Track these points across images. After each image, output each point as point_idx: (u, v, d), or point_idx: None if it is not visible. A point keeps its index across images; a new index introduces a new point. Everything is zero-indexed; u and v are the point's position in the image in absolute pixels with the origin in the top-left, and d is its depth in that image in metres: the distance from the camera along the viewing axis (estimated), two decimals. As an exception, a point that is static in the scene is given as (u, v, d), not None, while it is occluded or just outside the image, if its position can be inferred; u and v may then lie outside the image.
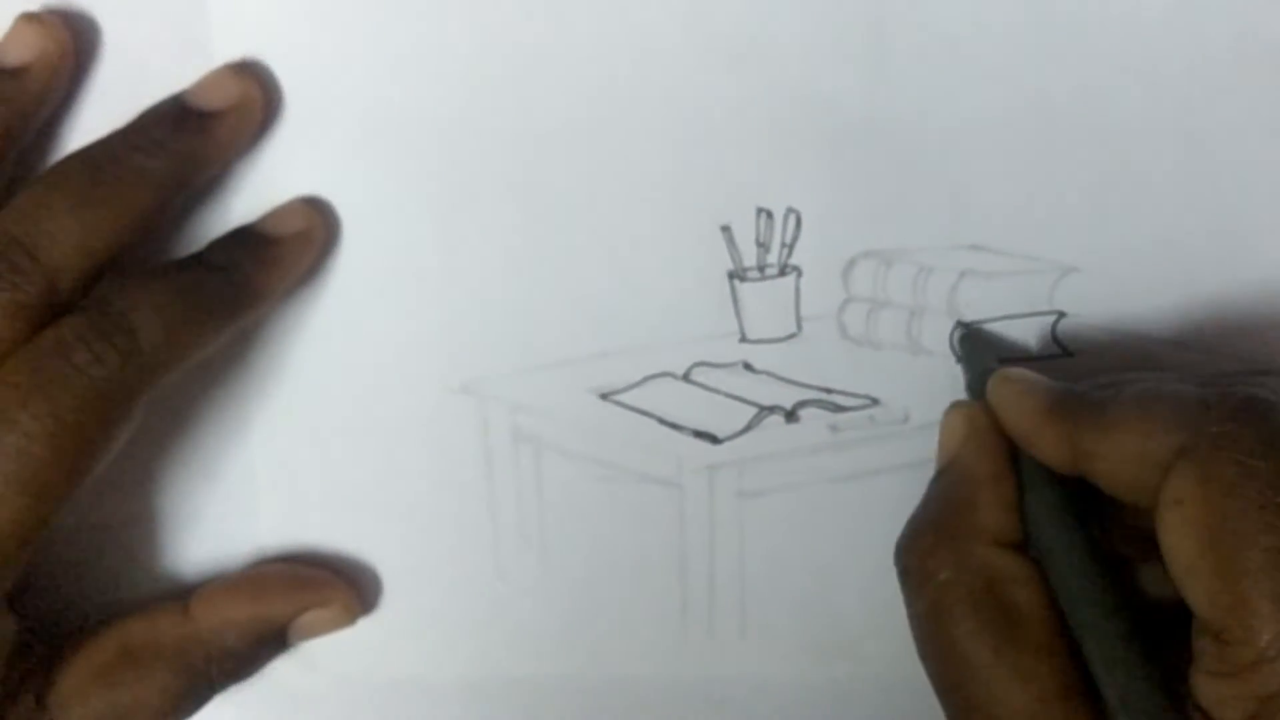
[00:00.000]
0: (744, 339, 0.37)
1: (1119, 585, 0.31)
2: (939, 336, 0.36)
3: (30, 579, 0.34)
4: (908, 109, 0.35)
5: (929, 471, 0.36)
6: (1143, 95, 0.35)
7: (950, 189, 0.35)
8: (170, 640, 0.35)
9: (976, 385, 0.34)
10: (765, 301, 0.36)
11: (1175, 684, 0.29)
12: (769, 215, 0.36)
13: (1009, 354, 0.36)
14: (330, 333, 0.36)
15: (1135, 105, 0.35)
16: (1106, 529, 0.32)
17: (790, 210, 0.36)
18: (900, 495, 0.36)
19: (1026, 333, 0.36)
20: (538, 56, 0.35)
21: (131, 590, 0.37)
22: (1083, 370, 0.35)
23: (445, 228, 0.36)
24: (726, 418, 0.37)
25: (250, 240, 0.35)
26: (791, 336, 0.37)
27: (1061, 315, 0.36)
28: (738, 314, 0.36)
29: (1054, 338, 0.36)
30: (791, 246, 0.36)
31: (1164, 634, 0.30)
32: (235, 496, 0.37)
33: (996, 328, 0.36)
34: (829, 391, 0.37)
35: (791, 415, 0.37)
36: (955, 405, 0.34)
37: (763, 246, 0.36)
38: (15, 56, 0.34)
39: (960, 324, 0.36)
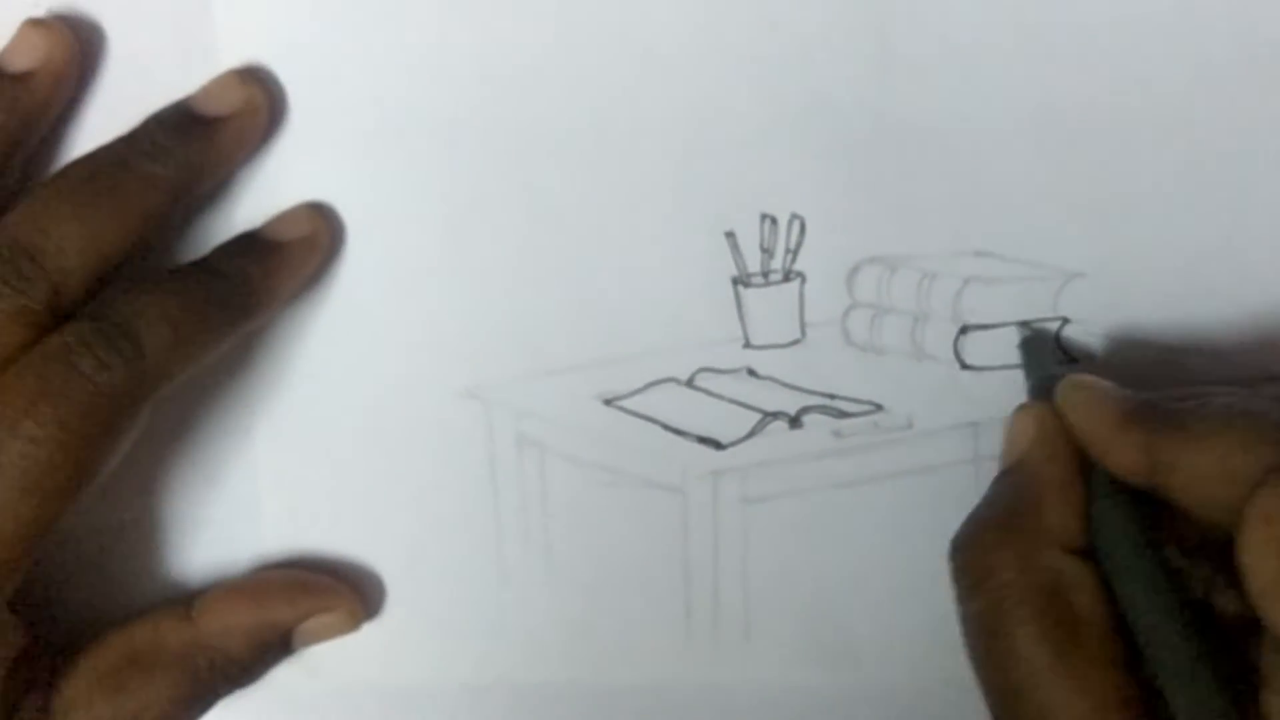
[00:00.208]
0: (748, 345, 0.37)
1: (1189, 601, 0.30)
2: (943, 342, 0.36)
3: (35, 584, 0.34)
4: (912, 115, 0.35)
5: (933, 477, 0.36)
6: (1147, 101, 0.35)
7: (955, 195, 0.35)
8: (174, 646, 0.35)
9: (1041, 389, 0.34)
10: (769, 307, 0.36)
11: (1241, 704, 0.29)
12: (773, 221, 0.36)
13: (1077, 359, 0.35)
14: (334, 338, 0.36)
15: (1140, 111, 0.35)
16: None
17: (794, 216, 0.36)
18: (904, 501, 0.37)
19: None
20: (543, 62, 0.35)
21: (136, 595, 0.37)
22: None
23: (450, 233, 0.36)
24: (730, 423, 0.37)
25: (255, 246, 0.35)
26: (795, 342, 0.37)
27: (1066, 321, 0.36)
28: (742, 320, 0.36)
29: (1058, 344, 0.36)
30: (796, 252, 0.36)
31: (1223, 651, 0.30)
32: (239, 502, 0.37)
33: (1000, 334, 0.36)
34: (833, 397, 0.37)
35: (795, 421, 0.37)
36: (1024, 407, 0.34)
37: (767, 252, 0.36)
38: (21, 62, 0.34)
39: (1024, 326, 0.36)
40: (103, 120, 0.35)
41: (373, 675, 0.38)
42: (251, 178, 0.36)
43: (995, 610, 0.31)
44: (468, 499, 0.37)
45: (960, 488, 0.36)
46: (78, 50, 0.35)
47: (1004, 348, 0.36)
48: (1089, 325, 0.36)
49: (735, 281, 0.36)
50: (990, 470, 0.35)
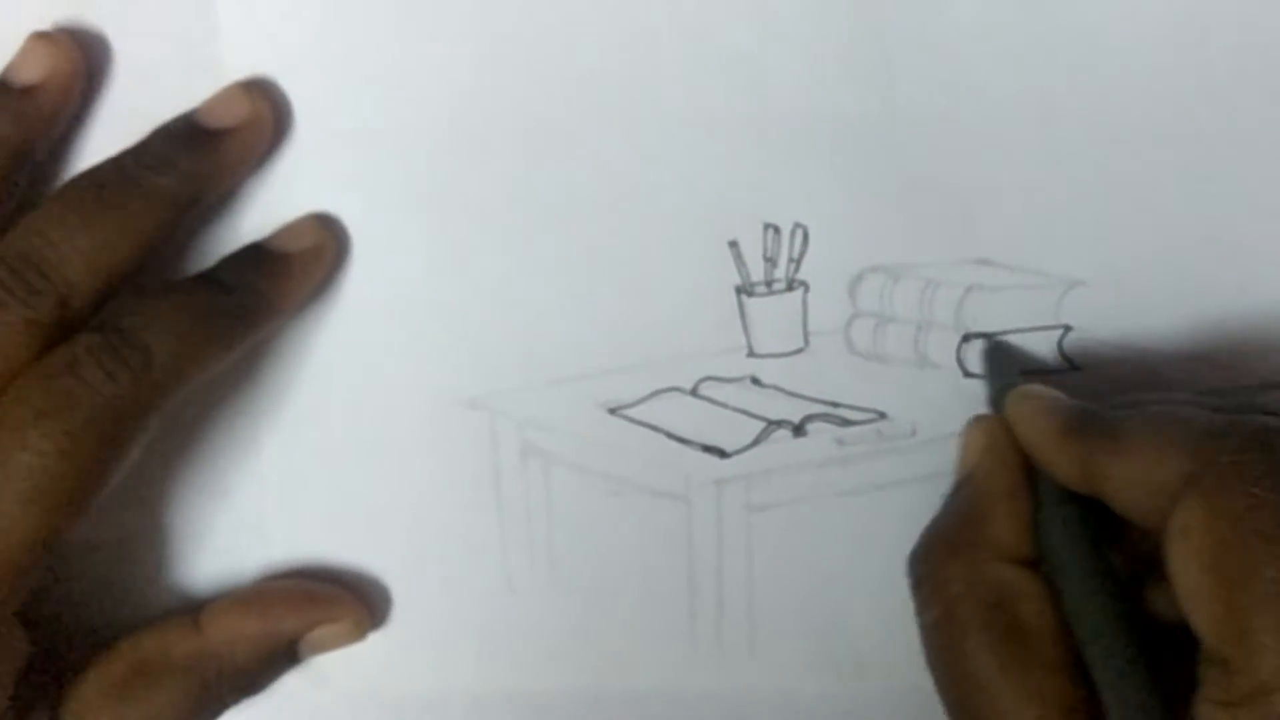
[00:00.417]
0: (751, 354, 0.37)
1: (1128, 607, 0.31)
2: (946, 351, 0.36)
3: (42, 594, 0.34)
4: (914, 124, 0.35)
5: (936, 485, 0.36)
6: (1149, 110, 0.35)
7: (957, 203, 0.36)
8: (181, 655, 0.35)
9: (998, 399, 0.34)
10: (773, 316, 0.36)
11: (1178, 708, 0.29)
12: (776, 230, 0.36)
13: (1033, 368, 0.36)
14: (339, 348, 0.37)
15: (1141, 119, 0.35)
16: (1116, 548, 0.32)
17: (797, 225, 0.36)
18: (908, 509, 0.37)
19: (1033, 347, 0.36)
20: (547, 74, 0.35)
21: (142, 605, 0.37)
22: (1095, 383, 0.35)
23: (454, 244, 0.36)
24: (734, 432, 0.37)
25: (261, 257, 0.35)
26: (799, 351, 0.37)
27: (1068, 329, 0.36)
28: (745, 329, 0.37)
29: (1061, 352, 0.36)
30: (799, 261, 0.36)
31: (1169, 655, 0.30)
32: (245, 512, 0.37)
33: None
34: (836, 405, 0.37)
35: (799, 429, 0.37)
36: (976, 419, 0.34)
37: (770, 261, 0.36)
38: (27, 75, 0.34)
39: (985, 337, 0.36)
40: (109, 133, 0.35)
41: (379, 684, 0.38)
42: (257, 189, 0.36)
43: (948, 621, 0.32)
44: (473, 508, 0.37)
45: (963, 495, 0.36)
46: (83, 63, 0.35)
47: (1006, 356, 0.36)
48: (1091, 333, 0.36)
49: (739, 291, 0.36)
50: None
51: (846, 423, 0.37)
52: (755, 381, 0.37)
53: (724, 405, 0.37)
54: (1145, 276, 0.36)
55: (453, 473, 0.37)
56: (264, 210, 0.36)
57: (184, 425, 0.36)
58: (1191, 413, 0.30)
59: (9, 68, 0.34)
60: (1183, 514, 0.29)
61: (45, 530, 0.31)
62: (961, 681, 0.31)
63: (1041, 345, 0.36)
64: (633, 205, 0.36)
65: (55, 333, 0.32)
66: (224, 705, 0.36)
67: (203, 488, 0.37)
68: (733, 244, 0.36)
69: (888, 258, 0.36)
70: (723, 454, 0.37)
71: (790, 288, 0.36)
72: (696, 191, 0.36)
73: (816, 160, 0.36)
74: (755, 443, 0.37)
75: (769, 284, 0.36)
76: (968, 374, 0.36)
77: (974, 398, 0.36)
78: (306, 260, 0.35)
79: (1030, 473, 0.33)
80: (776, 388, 0.37)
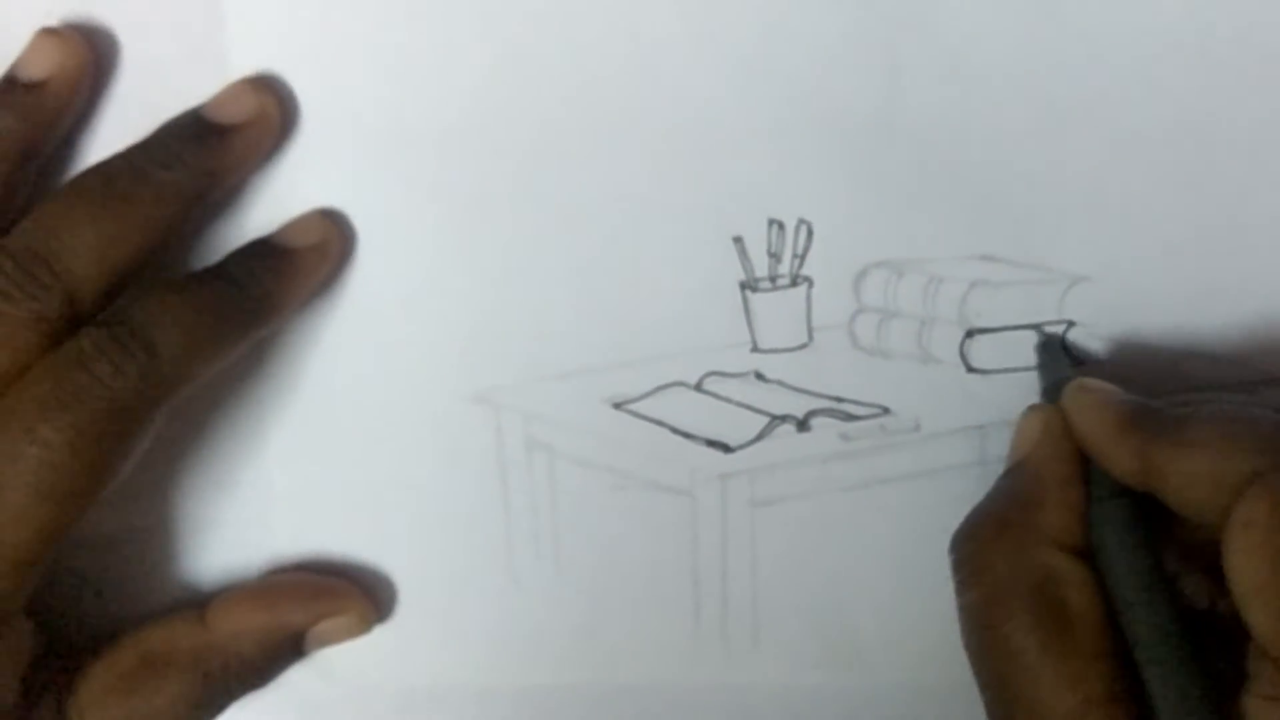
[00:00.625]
0: (756, 349, 0.37)
1: (1177, 601, 0.31)
2: (950, 346, 0.36)
3: (50, 588, 0.34)
4: (919, 120, 0.35)
5: (940, 480, 0.36)
6: (1152, 105, 0.35)
7: (961, 199, 0.36)
8: (187, 648, 0.35)
9: (1052, 392, 0.34)
10: (777, 311, 0.36)
11: (1222, 701, 0.29)
12: (781, 226, 0.36)
13: (1085, 362, 0.36)
14: (345, 343, 0.37)
15: (1144, 115, 0.35)
16: (1161, 544, 0.32)
17: (802, 221, 0.36)
18: (911, 504, 0.37)
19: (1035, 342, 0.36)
20: (553, 69, 0.35)
21: (149, 599, 0.37)
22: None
23: (460, 239, 0.36)
24: (738, 427, 0.37)
25: (267, 252, 0.35)
26: (803, 346, 0.37)
27: (1071, 324, 0.36)
28: (749, 324, 0.37)
29: (1064, 347, 0.36)
30: (803, 257, 0.36)
31: (1210, 649, 0.30)
32: (251, 506, 0.37)
33: (1006, 338, 0.36)
34: (840, 401, 0.37)
35: (803, 424, 0.37)
36: (1032, 408, 0.34)
37: (774, 257, 0.36)
38: (35, 71, 0.34)
39: (1038, 330, 0.36)
40: (116, 128, 0.35)
41: (384, 677, 0.38)
42: (264, 185, 0.36)
43: (990, 602, 0.31)
44: (478, 502, 0.37)
45: (967, 490, 0.36)
46: (91, 59, 0.35)
47: (1010, 351, 0.36)
48: (1094, 328, 0.36)
49: (743, 286, 0.36)
50: (998, 473, 0.35)
51: (850, 418, 0.37)
52: (759, 376, 0.37)
53: (728, 400, 0.37)
54: (1149, 272, 0.36)
55: (458, 467, 0.37)
56: (270, 206, 0.36)
57: (191, 419, 0.37)
58: (1258, 412, 0.30)
59: (16, 64, 0.34)
60: (1246, 508, 0.29)
61: (53, 524, 0.31)
62: (1001, 662, 0.31)
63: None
64: (638, 201, 0.36)
65: (63, 327, 0.32)
66: (230, 698, 0.36)
67: (209, 482, 0.37)
68: (737, 239, 0.36)
69: (892, 253, 0.36)
70: (727, 449, 0.37)
71: (794, 283, 0.36)
72: (701, 187, 0.36)
73: (821, 156, 0.36)
74: (759, 437, 0.37)
75: (773, 279, 0.36)
76: (971, 369, 0.36)
77: (978, 393, 0.36)
78: (312, 256, 0.35)
79: (1084, 465, 0.33)
80: (781, 383, 0.37)
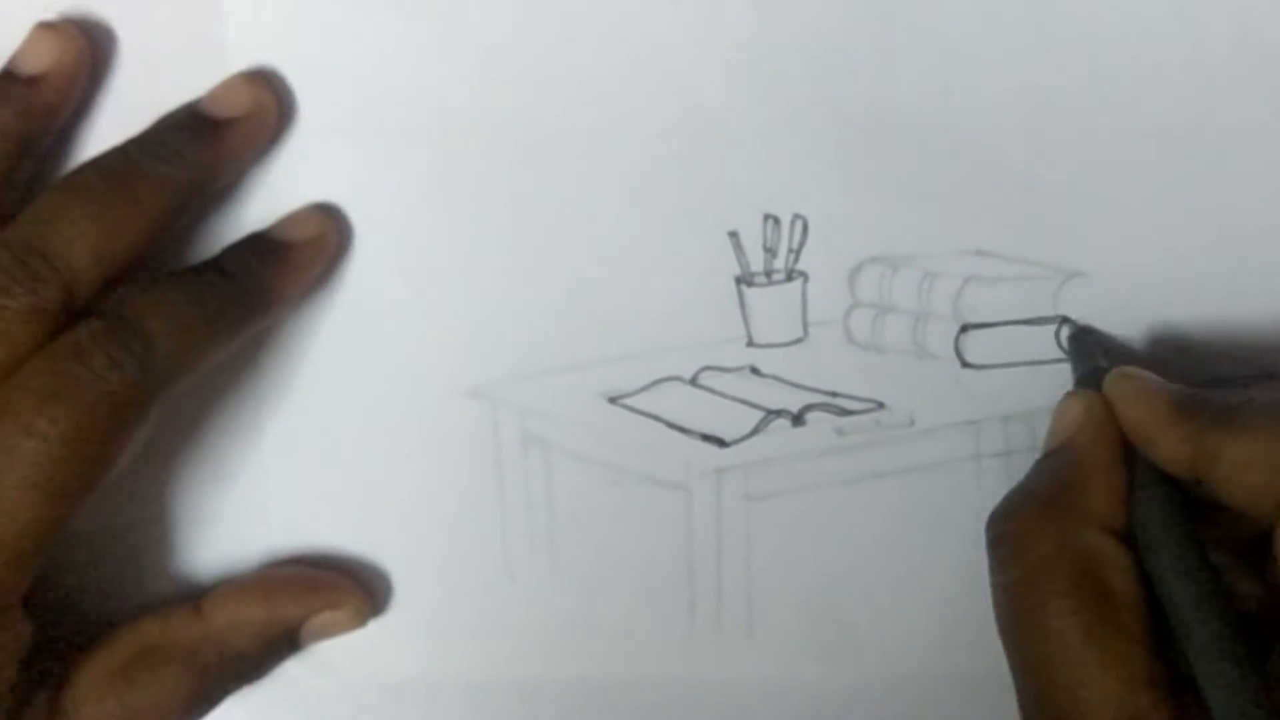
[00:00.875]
0: (751, 343, 0.37)
1: (1223, 587, 0.31)
2: (944, 341, 0.36)
3: (46, 581, 0.34)
4: (914, 115, 0.35)
5: (934, 474, 0.36)
6: (1147, 99, 0.35)
7: (956, 195, 0.36)
8: (183, 641, 0.35)
9: (1086, 381, 0.34)
10: (772, 306, 0.37)
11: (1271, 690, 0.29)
12: (776, 221, 0.36)
13: (1117, 353, 0.36)
14: (342, 337, 0.37)
15: (1140, 110, 0.35)
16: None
17: (797, 216, 0.36)
18: (906, 498, 0.37)
19: (1030, 337, 0.36)
20: (549, 63, 0.35)
21: (145, 592, 0.37)
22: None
23: (456, 233, 0.36)
24: (734, 421, 0.37)
25: (264, 246, 0.35)
26: (798, 341, 0.37)
27: (1065, 320, 0.36)
28: (745, 319, 0.37)
29: (1058, 342, 0.36)
30: (798, 252, 0.36)
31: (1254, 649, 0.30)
32: (247, 499, 0.37)
33: (1001, 333, 0.36)
34: (835, 395, 0.37)
35: (798, 419, 0.37)
36: (1073, 393, 0.34)
37: (770, 252, 0.36)
38: (33, 64, 0.34)
39: (1070, 322, 0.36)
40: (113, 122, 0.35)
41: (379, 671, 0.38)
42: (260, 179, 0.36)
43: (1030, 582, 0.31)
44: (473, 496, 0.37)
45: (961, 485, 0.37)
46: (88, 53, 0.35)
47: (1004, 346, 0.36)
48: (1088, 324, 0.36)
49: (738, 281, 0.36)
50: (991, 467, 0.36)
51: (845, 412, 0.37)
52: (755, 371, 0.37)
53: (723, 395, 0.37)
54: (1142, 268, 0.36)
55: (453, 461, 0.37)
56: (267, 200, 0.36)
57: (187, 413, 0.37)
58: None
59: (14, 58, 0.34)
60: None
61: (49, 516, 0.31)
62: (1039, 643, 0.31)
63: (1039, 337, 0.36)
64: (634, 195, 0.36)
65: (60, 320, 0.32)
66: (225, 691, 0.36)
67: (205, 475, 0.37)
68: (733, 234, 0.36)
69: (887, 248, 0.36)
70: (722, 443, 0.37)
71: (790, 278, 0.36)
72: (697, 182, 0.36)
73: (816, 151, 0.36)
74: (754, 432, 0.37)
75: (768, 274, 0.36)
76: (966, 364, 0.36)
77: (972, 388, 0.36)
78: (309, 249, 0.35)
79: (1127, 452, 0.33)
80: (776, 377, 0.37)
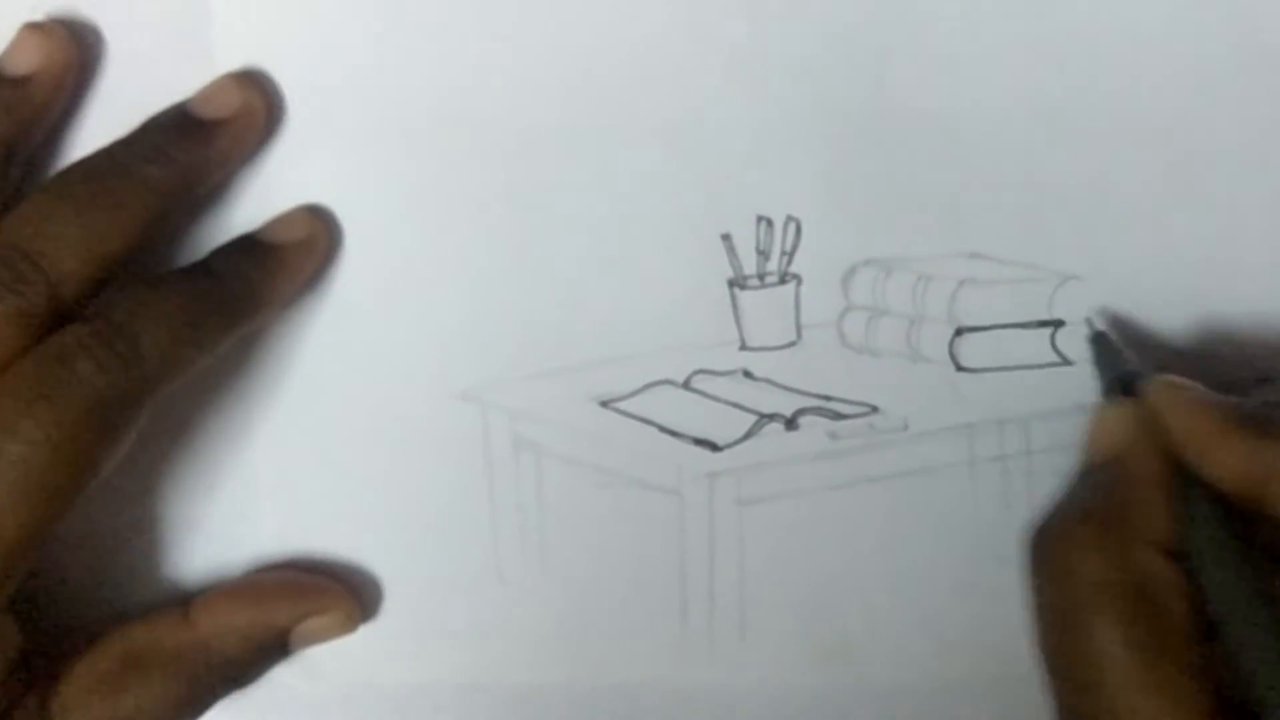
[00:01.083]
0: (744, 347, 0.37)
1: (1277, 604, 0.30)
2: (938, 344, 0.36)
3: (33, 586, 0.34)
4: (908, 117, 0.35)
5: (928, 479, 0.36)
6: (1143, 102, 0.35)
7: (950, 197, 0.36)
8: (171, 647, 0.35)
9: (1116, 386, 0.33)
10: (765, 309, 0.36)
11: None
12: (769, 223, 0.36)
13: (1145, 359, 0.35)
14: (332, 340, 0.37)
15: (1135, 112, 0.35)
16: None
17: (790, 218, 0.36)
18: (899, 502, 0.37)
19: (1026, 341, 0.36)
20: (540, 65, 0.35)
21: (133, 597, 0.37)
22: (1087, 378, 0.35)
23: (446, 236, 0.36)
24: (726, 425, 0.37)
25: (253, 248, 0.35)
26: (791, 344, 0.37)
27: (1060, 323, 0.36)
28: (738, 322, 0.37)
29: (1053, 346, 0.36)
30: (791, 254, 0.36)
31: None
32: (237, 503, 0.37)
33: (995, 336, 0.36)
34: (828, 399, 0.37)
35: (791, 423, 0.37)
36: (1113, 403, 0.33)
37: (763, 254, 0.36)
38: (20, 65, 0.34)
39: (1089, 326, 0.35)
40: (101, 123, 0.35)
41: (370, 676, 0.38)
42: (249, 180, 0.36)
43: (1078, 604, 0.30)
44: (464, 500, 0.37)
45: (956, 489, 0.37)
46: (76, 54, 0.35)
47: (1000, 350, 0.36)
48: (1084, 327, 0.36)
49: (731, 284, 0.36)
50: (985, 472, 0.35)
51: (839, 416, 0.37)
52: (747, 375, 0.37)
53: (716, 398, 0.37)
54: (1138, 271, 0.36)
55: (444, 465, 0.37)
56: (256, 202, 0.36)
57: (175, 416, 0.37)
58: None
59: (1, 59, 0.34)
60: None
61: (36, 521, 0.31)
62: (1087, 669, 0.30)
63: (1034, 340, 0.36)
64: (625, 197, 0.36)
65: (47, 323, 0.32)
66: (214, 696, 0.36)
67: (194, 479, 0.37)
68: (725, 237, 0.36)
69: (880, 251, 0.36)
70: (715, 447, 0.37)
71: (783, 281, 0.36)
72: (689, 184, 0.36)
73: (810, 153, 0.36)
74: (747, 436, 0.37)
75: (761, 277, 0.36)
76: (960, 368, 0.36)
77: (966, 392, 0.36)
78: (298, 251, 0.35)
79: (1175, 466, 0.31)
80: (769, 381, 0.37)
